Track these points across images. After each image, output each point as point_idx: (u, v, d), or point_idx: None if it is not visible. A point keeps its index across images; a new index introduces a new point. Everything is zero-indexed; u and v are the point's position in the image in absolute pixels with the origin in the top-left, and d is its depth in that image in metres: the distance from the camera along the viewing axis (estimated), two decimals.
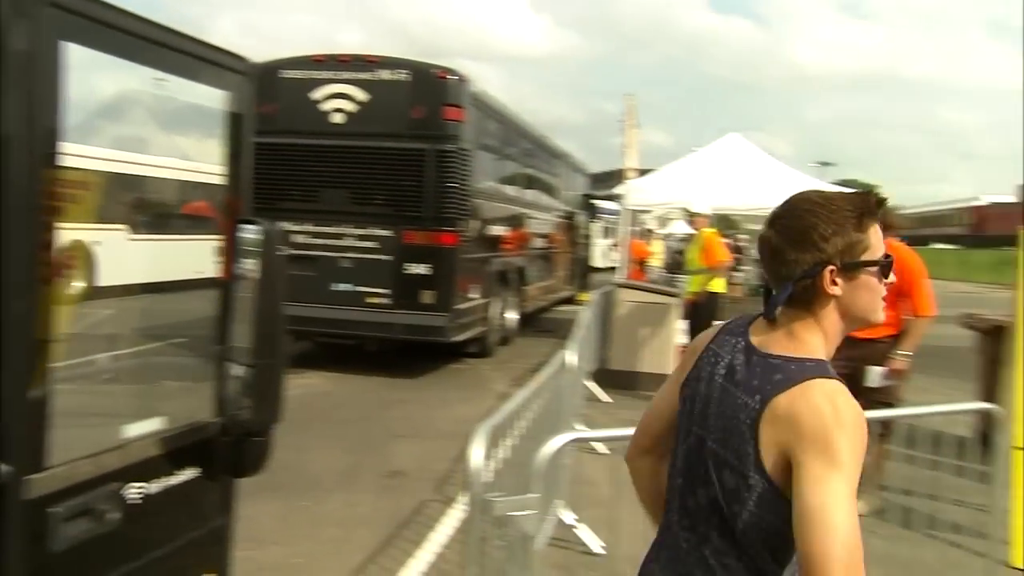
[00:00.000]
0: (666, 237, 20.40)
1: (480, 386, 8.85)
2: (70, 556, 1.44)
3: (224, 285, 1.85)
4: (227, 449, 1.85)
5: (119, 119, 2.74)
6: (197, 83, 1.80)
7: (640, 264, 15.76)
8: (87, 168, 2.23)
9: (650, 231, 18.48)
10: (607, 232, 20.79)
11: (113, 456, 1.58)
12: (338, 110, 9.07)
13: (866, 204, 1.47)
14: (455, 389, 8.69)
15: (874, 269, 1.47)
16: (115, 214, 2.79)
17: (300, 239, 8.89)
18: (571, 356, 5.00)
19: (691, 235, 10.13)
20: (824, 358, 1.46)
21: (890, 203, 1.66)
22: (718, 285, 8.68)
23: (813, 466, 1.32)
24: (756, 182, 10.38)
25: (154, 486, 1.66)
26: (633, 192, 11.45)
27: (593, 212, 19.34)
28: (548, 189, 14.59)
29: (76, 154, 1.81)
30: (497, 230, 10.85)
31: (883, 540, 4.32)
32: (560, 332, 8.84)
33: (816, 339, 1.47)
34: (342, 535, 4.60)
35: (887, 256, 1.49)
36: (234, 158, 1.92)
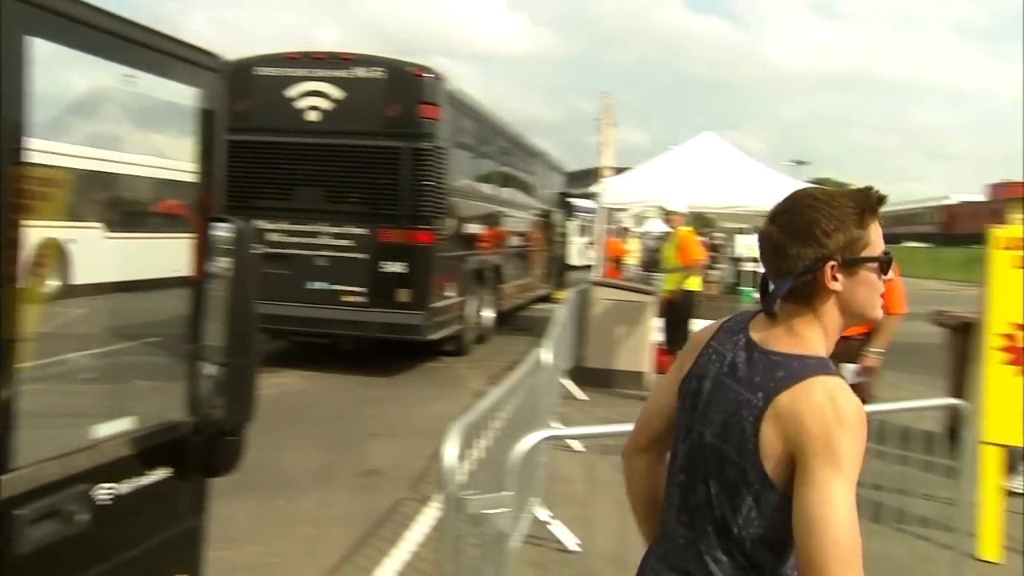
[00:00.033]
0: (642, 235, 20.45)
1: (456, 384, 8.84)
2: (37, 559, 1.42)
3: (197, 284, 1.84)
4: (200, 448, 1.84)
5: (91, 116, 2.72)
6: (169, 80, 1.78)
7: (616, 262, 15.81)
8: (58, 165, 2.21)
9: (626, 229, 18.54)
10: (583, 230, 20.84)
11: (83, 457, 1.56)
12: (313, 108, 9.02)
13: (867, 201, 1.49)
14: (431, 387, 8.68)
15: (874, 265, 1.49)
16: (89, 212, 2.76)
17: (275, 237, 8.83)
18: (547, 354, 5.01)
19: (667, 233, 10.15)
20: (824, 355, 1.48)
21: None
22: (694, 283, 8.73)
23: (814, 466, 1.34)
24: (731, 181, 10.43)
25: (125, 487, 1.64)
26: (609, 190, 11.49)
27: (569, 210, 19.40)
28: (524, 187, 14.60)
29: (46, 151, 1.79)
30: (473, 228, 10.83)
31: None
32: (536, 330, 8.85)
33: (817, 335, 1.49)
34: (317, 534, 4.59)
35: (887, 253, 1.51)
36: (207, 156, 1.91)
